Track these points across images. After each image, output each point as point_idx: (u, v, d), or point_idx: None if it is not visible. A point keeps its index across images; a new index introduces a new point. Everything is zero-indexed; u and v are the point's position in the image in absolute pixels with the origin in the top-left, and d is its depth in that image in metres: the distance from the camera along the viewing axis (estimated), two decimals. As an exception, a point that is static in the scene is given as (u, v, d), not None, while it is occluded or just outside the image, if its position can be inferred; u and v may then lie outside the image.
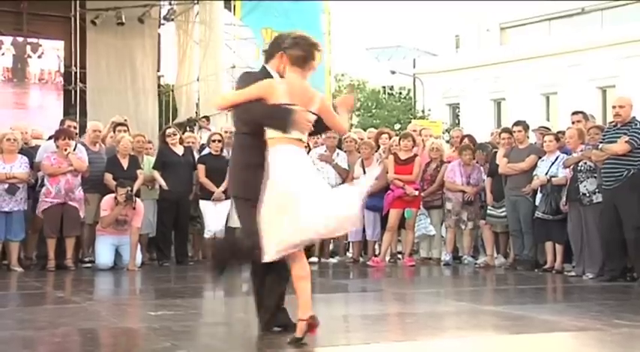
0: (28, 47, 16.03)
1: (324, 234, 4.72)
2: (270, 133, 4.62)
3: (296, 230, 4.43)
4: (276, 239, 4.43)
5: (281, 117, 4.56)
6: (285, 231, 4.42)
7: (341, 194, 4.62)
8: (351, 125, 5.74)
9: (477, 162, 10.42)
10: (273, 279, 4.91)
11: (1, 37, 15.93)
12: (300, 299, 4.53)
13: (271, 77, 4.83)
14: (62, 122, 10.61)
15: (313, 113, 4.69)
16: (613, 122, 8.46)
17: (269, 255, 4.45)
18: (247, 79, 4.95)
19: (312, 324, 4.49)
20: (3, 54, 15.73)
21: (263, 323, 4.98)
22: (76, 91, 16.43)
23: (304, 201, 4.45)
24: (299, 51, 4.72)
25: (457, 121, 33.31)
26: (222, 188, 10.11)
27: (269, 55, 5.07)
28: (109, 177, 9.74)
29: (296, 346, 4.46)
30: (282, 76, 4.83)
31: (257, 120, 4.68)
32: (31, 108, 15.98)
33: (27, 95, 16.09)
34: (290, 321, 4.83)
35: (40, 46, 16.22)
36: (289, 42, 4.78)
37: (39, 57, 16.07)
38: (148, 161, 10.31)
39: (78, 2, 16.48)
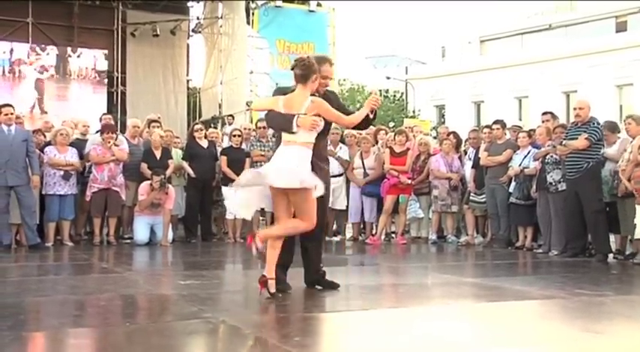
0: (69, 49, 15.98)
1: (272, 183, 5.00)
2: (283, 136, 5.10)
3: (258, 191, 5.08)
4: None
5: (285, 123, 5.04)
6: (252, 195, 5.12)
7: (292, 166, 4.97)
8: (373, 120, 5.77)
9: (456, 152, 10.46)
10: (312, 246, 5.42)
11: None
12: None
13: (284, 94, 5.25)
14: (101, 118, 10.62)
15: (304, 114, 5.01)
16: (574, 122, 8.43)
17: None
18: (275, 92, 5.56)
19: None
20: (48, 54, 15.72)
21: (308, 283, 5.47)
22: (117, 93, 16.44)
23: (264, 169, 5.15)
24: (298, 70, 5.12)
25: (443, 120, 33.19)
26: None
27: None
28: (144, 166, 9.74)
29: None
30: (313, 93, 5.20)
31: (269, 125, 5.78)
32: (71, 100, 15.86)
33: (67, 89, 16.00)
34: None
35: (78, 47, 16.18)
36: (292, 64, 5.20)
37: (78, 56, 16.02)
38: (176, 153, 10.31)
39: (120, 17, 16.48)
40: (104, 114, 11.07)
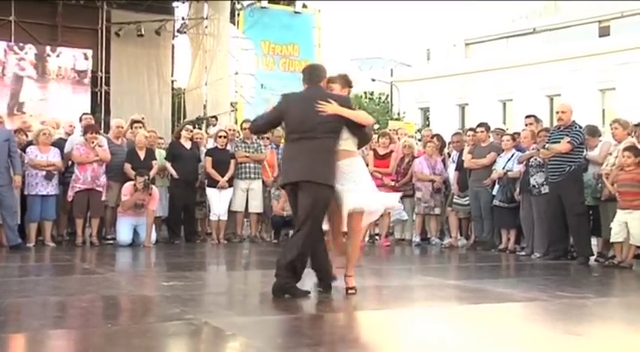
0: (48, 48, 15.84)
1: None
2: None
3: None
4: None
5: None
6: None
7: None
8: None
9: (440, 154, 10.50)
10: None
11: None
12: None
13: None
14: (81, 118, 10.56)
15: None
16: (557, 125, 8.49)
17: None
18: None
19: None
20: (26, 53, 15.57)
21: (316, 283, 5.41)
22: (101, 93, 16.35)
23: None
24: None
25: (427, 123, 33.30)
26: (226, 177, 10.10)
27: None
28: (128, 166, 9.69)
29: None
30: None
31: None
32: (49, 100, 15.66)
33: (46, 89, 15.81)
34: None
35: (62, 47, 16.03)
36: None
37: (57, 56, 15.88)
38: (160, 153, 10.27)
39: (104, 16, 16.40)
40: (84, 114, 10.97)
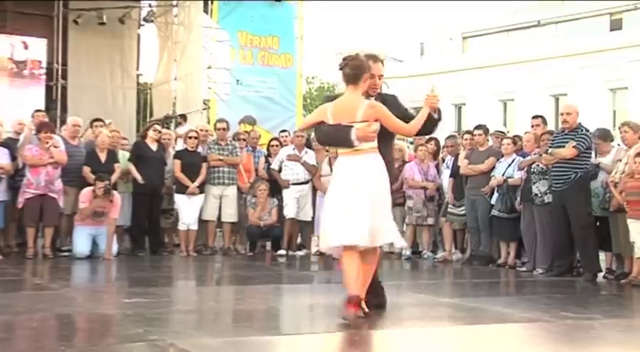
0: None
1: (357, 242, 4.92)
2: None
3: (335, 234, 4.89)
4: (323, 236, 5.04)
5: (342, 136, 4.96)
6: (329, 233, 4.94)
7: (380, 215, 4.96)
8: (439, 120, 5.40)
9: (434, 159, 10.56)
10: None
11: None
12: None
13: (332, 100, 5.22)
14: (33, 115, 10.50)
15: (362, 122, 4.95)
16: (561, 128, 8.56)
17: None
18: (324, 101, 5.51)
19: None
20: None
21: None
22: (57, 87, 16.23)
23: (345, 211, 4.86)
24: (349, 70, 5.07)
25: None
26: (197, 183, 10.09)
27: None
28: (87, 170, 9.65)
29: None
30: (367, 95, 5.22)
31: (324, 143, 5.61)
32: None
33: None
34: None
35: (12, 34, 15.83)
36: (342, 63, 5.11)
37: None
38: (123, 156, 10.24)
39: (61, 2, 16.27)
40: (37, 110, 10.90)
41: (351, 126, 4.93)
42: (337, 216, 4.90)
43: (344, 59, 5.11)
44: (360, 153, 4.97)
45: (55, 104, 15.77)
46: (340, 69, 5.12)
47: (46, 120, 10.42)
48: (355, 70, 5.06)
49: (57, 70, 16.20)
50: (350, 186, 4.93)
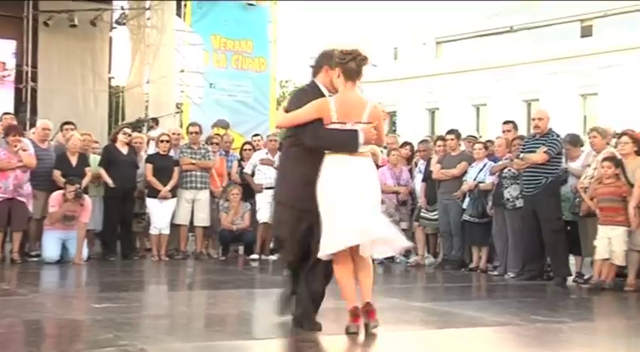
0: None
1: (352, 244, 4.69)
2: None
3: (334, 237, 4.59)
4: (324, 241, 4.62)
5: (349, 143, 4.67)
6: (328, 236, 4.59)
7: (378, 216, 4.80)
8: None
9: (407, 164, 10.62)
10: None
11: None
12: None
13: (323, 94, 4.82)
14: (0, 117, 10.38)
15: (367, 123, 4.73)
16: (533, 133, 8.66)
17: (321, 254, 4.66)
18: (303, 97, 4.87)
19: (369, 310, 4.76)
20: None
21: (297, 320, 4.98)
22: (27, 90, 16.07)
23: (343, 212, 4.59)
24: (354, 65, 4.77)
25: (394, 128, 33.59)
26: (168, 187, 10.05)
27: (316, 69, 5.04)
28: (57, 173, 9.56)
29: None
30: (330, 89, 4.87)
31: (328, 147, 4.72)
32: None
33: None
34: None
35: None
36: (345, 57, 4.77)
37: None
38: (94, 159, 10.17)
39: (31, 3, 16.12)
40: (5, 113, 10.79)
41: (356, 130, 4.70)
42: (340, 220, 4.63)
43: (348, 53, 4.77)
44: (356, 155, 4.75)
45: (25, 107, 15.61)
46: (342, 63, 4.77)
47: (15, 123, 10.33)
48: (360, 65, 4.79)
49: (27, 73, 16.04)
50: (349, 188, 4.70)
